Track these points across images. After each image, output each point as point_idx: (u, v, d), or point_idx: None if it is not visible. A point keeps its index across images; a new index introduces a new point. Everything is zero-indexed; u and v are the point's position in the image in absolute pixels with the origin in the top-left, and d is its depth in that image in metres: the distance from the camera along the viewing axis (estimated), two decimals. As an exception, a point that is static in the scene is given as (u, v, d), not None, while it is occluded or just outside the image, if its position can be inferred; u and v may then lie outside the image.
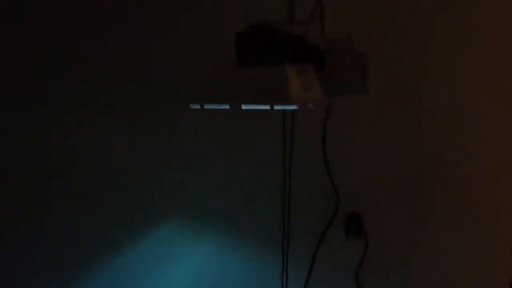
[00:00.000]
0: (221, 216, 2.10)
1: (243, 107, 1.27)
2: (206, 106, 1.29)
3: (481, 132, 1.88)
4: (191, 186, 2.12)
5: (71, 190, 2.19)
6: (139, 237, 2.17)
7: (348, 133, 1.96)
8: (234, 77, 1.29)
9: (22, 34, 2.13)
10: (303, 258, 2.03)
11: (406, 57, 1.90)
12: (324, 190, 1.94)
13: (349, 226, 2.03)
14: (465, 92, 1.88)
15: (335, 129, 1.88)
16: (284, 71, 1.27)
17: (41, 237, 2.22)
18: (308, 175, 1.99)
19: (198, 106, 1.29)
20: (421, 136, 1.93)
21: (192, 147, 2.10)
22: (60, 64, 2.13)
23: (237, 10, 1.91)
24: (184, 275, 2.17)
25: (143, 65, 2.08)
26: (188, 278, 2.17)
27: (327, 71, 1.62)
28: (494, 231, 1.89)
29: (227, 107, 1.28)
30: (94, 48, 2.10)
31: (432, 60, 1.89)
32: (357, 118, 1.96)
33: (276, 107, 1.28)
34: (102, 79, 2.12)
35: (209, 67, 1.29)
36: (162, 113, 2.09)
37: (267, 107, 1.27)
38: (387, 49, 1.91)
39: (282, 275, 2.05)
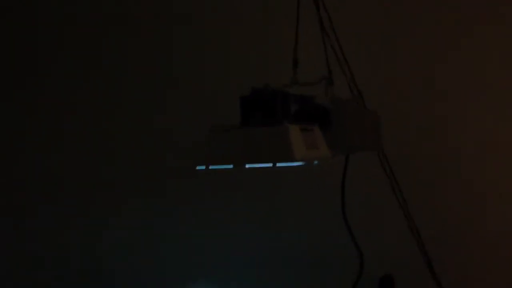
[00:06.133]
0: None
1: (247, 166, 1.30)
2: (211, 167, 1.33)
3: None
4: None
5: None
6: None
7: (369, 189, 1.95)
8: (237, 138, 1.33)
9: None
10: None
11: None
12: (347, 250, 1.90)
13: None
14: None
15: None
16: (285, 129, 1.31)
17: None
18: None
19: (203, 167, 1.33)
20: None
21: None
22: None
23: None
24: None
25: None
26: None
27: (338, 129, 1.64)
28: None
29: (231, 167, 1.31)
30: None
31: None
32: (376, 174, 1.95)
33: (279, 165, 1.30)
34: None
35: (211, 130, 1.34)
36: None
37: (270, 165, 1.30)
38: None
39: None
